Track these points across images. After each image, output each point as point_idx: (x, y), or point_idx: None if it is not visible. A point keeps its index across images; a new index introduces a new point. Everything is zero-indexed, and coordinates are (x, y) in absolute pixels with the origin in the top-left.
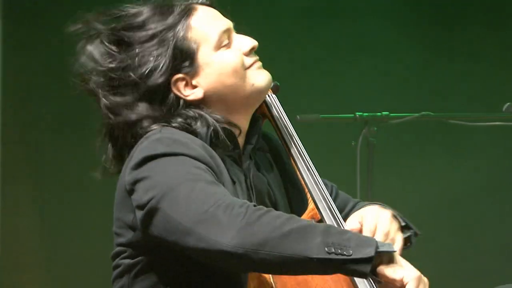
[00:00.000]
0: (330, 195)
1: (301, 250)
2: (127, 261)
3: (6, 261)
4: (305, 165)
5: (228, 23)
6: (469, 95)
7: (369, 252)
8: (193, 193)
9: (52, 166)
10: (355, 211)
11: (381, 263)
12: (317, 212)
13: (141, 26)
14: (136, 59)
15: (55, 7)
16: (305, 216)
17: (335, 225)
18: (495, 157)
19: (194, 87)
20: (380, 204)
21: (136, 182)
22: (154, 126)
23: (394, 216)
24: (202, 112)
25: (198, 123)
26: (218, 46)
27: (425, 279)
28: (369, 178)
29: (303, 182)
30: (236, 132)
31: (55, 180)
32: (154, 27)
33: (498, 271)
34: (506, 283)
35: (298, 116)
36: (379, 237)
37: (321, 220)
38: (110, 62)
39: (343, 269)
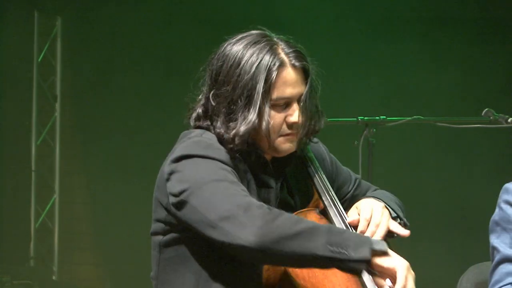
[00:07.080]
0: (353, 185)
1: (309, 248)
2: (160, 236)
3: (63, 241)
4: (313, 166)
5: (293, 93)
6: (453, 102)
7: (365, 252)
8: (218, 191)
9: (101, 161)
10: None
11: (375, 255)
12: (320, 202)
13: (241, 58)
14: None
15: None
16: (311, 204)
17: (336, 212)
18: (474, 153)
19: None
20: (374, 197)
21: (172, 173)
22: (199, 130)
23: (385, 207)
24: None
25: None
26: (273, 105)
27: (412, 272)
28: (369, 171)
29: (310, 180)
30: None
31: (104, 174)
32: (251, 63)
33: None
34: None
35: None
36: (371, 227)
37: (324, 208)
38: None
39: (343, 266)
